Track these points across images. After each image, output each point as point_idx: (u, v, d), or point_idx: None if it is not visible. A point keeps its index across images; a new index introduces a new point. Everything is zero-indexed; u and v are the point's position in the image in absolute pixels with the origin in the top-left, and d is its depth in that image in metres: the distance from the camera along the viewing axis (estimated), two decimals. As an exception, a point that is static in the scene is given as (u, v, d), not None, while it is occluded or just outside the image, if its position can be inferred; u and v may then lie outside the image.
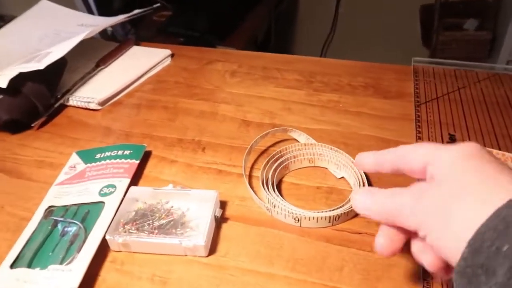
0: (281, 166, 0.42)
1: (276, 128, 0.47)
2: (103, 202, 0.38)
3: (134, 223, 0.36)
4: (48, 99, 0.53)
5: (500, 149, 0.43)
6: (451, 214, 0.23)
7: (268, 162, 0.42)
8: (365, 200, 0.28)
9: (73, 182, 0.42)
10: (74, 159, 0.45)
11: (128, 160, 0.43)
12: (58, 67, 0.55)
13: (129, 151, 0.44)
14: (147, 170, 0.44)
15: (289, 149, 0.44)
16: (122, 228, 0.35)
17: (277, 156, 0.43)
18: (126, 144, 0.46)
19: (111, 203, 0.38)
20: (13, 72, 0.49)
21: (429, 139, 0.45)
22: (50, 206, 0.39)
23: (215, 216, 0.36)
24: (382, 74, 0.59)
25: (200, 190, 0.39)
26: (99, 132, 0.51)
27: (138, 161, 0.43)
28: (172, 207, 0.37)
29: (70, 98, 0.55)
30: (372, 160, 0.30)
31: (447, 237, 0.23)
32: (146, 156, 0.45)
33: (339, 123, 0.50)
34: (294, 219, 0.36)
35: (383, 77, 0.59)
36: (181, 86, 0.59)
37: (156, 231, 0.35)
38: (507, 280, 0.18)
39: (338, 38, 1.86)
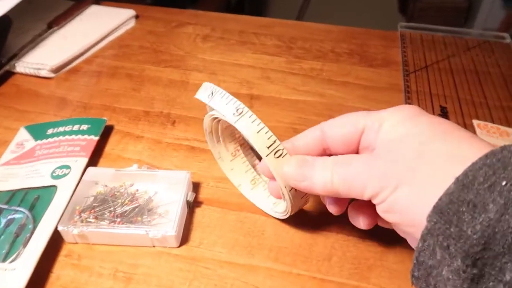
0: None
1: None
2: (55, 186, 0.33)
3: (93, 211, 0.31)
4: (-9, 65, 0.46)
5: (493, 122, 0.40)
6: (420, 171, 0.21)
7: None
8: (302, 173, 0.25)
9: (21, 162, 0.36)
10: (22, 135, 0.39)
11: (86, 136, 0.37)
12: (0, 27, 0.47)
13: (86, 126, 0.38)
14: (108, 148, 0.39)
15: None
16: (78, 217, 0.30)
17: None
18: (83, 118, 0.40)
19: (64, 187, 0.33)
20: None
21: (419, 112, 0.42)
22: (-8, 191, 0.34)
23: (187, 201, 0.32)
24: (367, 40, 0.55)
25: (169, 171, 0.34)
26: (52, 104, 0.44)
27: (97, 138, 0.37)
28: (137, 190, 0.33)
29: (17, 64, 0.48)
30: (290, 146, 0.27)
31: (418, 195, 0.21)
32: (107, 132, 0.40)
33: (323, 94, 0.45)
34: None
35: (369, 43, 0.54)
36: (147, 52, 0.53)
37: (119, 219, 0.30)
38: (500, 216, 0.17)
39: (314, 2, 1.80)
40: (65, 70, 0.49)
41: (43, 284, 0.28)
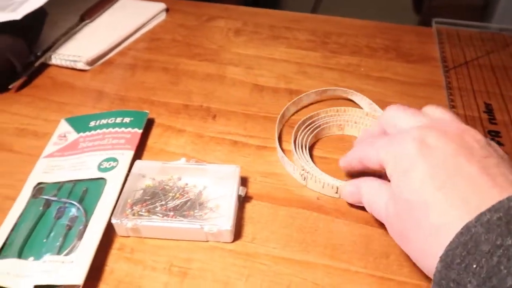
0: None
1: (335, 88, 0.43)
2: (103, 179, 0.32)
3: (144, 204, 0.30)
4: (27, 57, 0.45)
5: (540, 120, 0.40)
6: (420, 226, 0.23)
7: (305, 125, 0.38)
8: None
9: (65, 154, 0.36)
10: (63, 127, 0.39)
11: (130, 129, 0.37)
12: (37, 19, 0.47)
13: (129, 119, 0.38)
14: (150, 141, 0.38)
15: (349, 113, 0.39)
16: (130, 210, 0.30)
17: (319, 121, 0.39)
18: (125, 110, 0.40)
19: (114, 180, 0.32)
20: (-17, 22, 0.42)
21: (464, 109, 0.41)
22: (39, 183, 0.33)
23: (239, 195, 0.31)
24: (401, 36, 0.54)
25: (218, 165, 0.33)
26: (89, 96, 0.44)
27: (141, 131, 0.37)
28: (186, 184, 0.32)
29: (52, 56, 0.47)
30: (343, 163, 0.32)
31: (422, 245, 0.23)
32: (148, 125, 0.39)
33: (362, 89, 0.45)
34: (332, 187, 0.32)
35: (403, 39, 0.54)
36: (179, 45, 0.52)
37: (171, 213, 0.30)
38: None
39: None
40: (99, 63, 0.49)
41: (98, 277, 0.28)
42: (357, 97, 0.42)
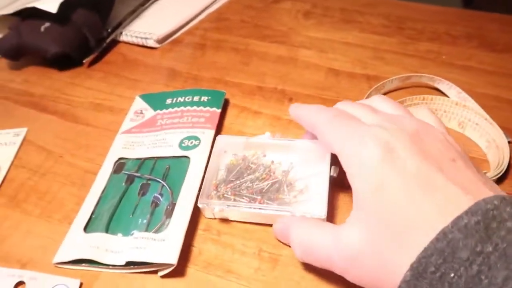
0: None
1: (420, 74, 0.40)
2: (187, 157, 0.31)
3: (230, 185, 0.29)
4: (101, 32, 0.45)
5: None
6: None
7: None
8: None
9: (143, 130, 0.35)
10: (139, 103, 0.38)
11: (208, 108, 0.36)
12: (109, -5, 0.46)
13: (206, 97, 0.37)
14: (227, 122, 0.37)
15: (437, 101, 0.36)
16: (215, 192, 0.29)
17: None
18: (202, 89, 0.38)
19: (197, 159, 0.31)
20: (61, -5, 0.41)
21: None
22: (120, 158, 0.33)
23: (331, 176, 0.29)
24: (484, 23, 0.50)
25: (307, 141, 0.31)
26: (162, 74, 0.43)
27: (219, 110, 0.36)
28: (272, 162, 0.30)
29: (123, 33, 0.47)
30: (294, 112, 0.29)
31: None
32: (223, 105, 0.38)
33: (446, 78, 0.42)
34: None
35: (485, 27, 0.50)
36: (248, 26, 0.51)
37: (259, 197, 0.28)
38: None
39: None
40: (168, 41, 0.48)
41: (187, 257, 0.27)
42: (445, 85, 0.39)
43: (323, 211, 0.27)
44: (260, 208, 0.27)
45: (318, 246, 0.23)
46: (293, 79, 0.42)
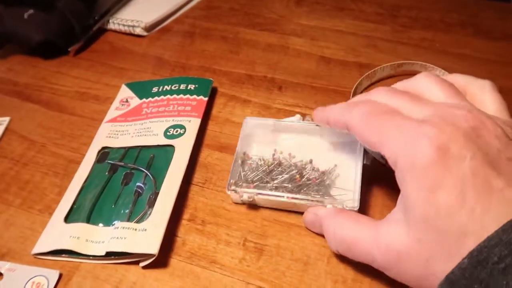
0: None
1: (412, 62, 0.39)
2: (171, 146, 0.31)
3: (259, 170, 0.28)
4: (87, 19, 0.44)
5: None
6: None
7: None
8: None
9: (128, 119, 0.34)
10: (125, 92, 0.37)
11: (195, 96, 0.35)
12: (95, -19, 0.45)
13: (193, 86, 0.36)
14: (215, 110, 0.36)
15: None
16: (243, 179, 0.28)
17: None
18: (189, 77, 0.38)
19: (182, 147, 0.30)
20: (45, -19, 0.40)
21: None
22: (103, 147, 0.32)
23: (364, 164, 0.27)
24: (479, 11, 0.49)
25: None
26: (149, 62, 0.42)
27: (206, 98, 0.35)
28: (301, 146, 0.29)
29: (110, 21, 0.46)
30: (320, 118, 0.27)
31: None
32: (211, 94, 0.37)
33: (441, 66, 0.41)
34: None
35: (481, 14, 0.49)
36: (238, 14, 0.50)
37: (290, 185, 0.27)
38: None
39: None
40: (156, 29, 0.47)
41: (170, 247, 0.26)
42: (438, 73, 0.38)
43: (356, 202, 0.25)
44: (290, 198, 0.26)
45: (357, 242, 0.22)
46: (283, 67, 0.41)
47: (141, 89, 0.37)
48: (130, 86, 0.38)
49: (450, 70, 0.39)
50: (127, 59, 0.43)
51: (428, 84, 0.24)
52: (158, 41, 0.45)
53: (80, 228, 0.26)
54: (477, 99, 0.24)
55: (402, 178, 0.20)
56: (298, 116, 0.31)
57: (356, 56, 0.43)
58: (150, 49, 0.44)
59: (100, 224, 0.26)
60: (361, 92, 0.38)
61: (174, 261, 0.26)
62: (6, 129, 0.35)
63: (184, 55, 0.43)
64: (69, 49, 0.42)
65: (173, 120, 0.33)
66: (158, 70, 0.41)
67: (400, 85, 0.25)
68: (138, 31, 0.45)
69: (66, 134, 0.34)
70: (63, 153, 0.33)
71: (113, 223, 0.26)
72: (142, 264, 0.25)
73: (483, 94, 0.24)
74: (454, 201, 0.18)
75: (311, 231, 0.26)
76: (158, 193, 0.27)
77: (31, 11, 0.40)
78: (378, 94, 0.24)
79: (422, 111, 0.22)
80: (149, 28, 0.46)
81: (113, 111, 0.35)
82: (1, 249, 0.26)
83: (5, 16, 0.40)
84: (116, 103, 0.36)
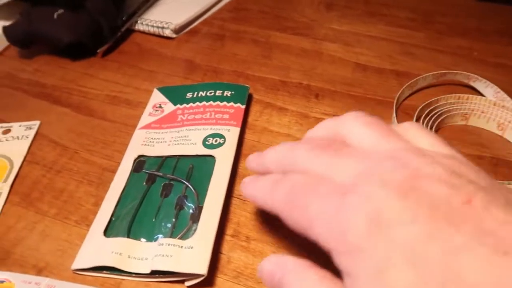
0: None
1: (455, 71, 0.38)
2: (212, 156, 0.29)
3: None
4: (115, 20, 0.43)
5: None
6: None
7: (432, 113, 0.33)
8: None
9: (163, 126, 0.33)
10: (157, 96, 0.36)
11: (232, 104, 0.34)
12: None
13: (229, 92, 0.35)
14: (251, 118, 0.35)
15: (473, 101, 0.34)
16: None
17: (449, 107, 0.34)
18: (224, 83, 0.36)
19: (223, 158, 0.29)
20: (75, -20, 0.39)
21: None
22: (139, 156, 0.31)
23: None
24: (516, 19, 0.48)
25: None
26: (179, 66, 0.41)
27: (244, 106, 0.34)
28: None
29: (139, 22, 0.45)
30: (254, 165, 0.24)
31: None
32: (247, 101, 0.36)
33: (481, 77, 0.40)
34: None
35: (517, 23, 0.48)
36: (268, 17, 0.48)
37: None
38: None
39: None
40: (185, 31, 0.46)
41: (215, 265, 0.25)
42: (481, 84, 0.37)
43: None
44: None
45: None
46: (318, 74, 0.40)
47: (175, 94, 0.35)
48: (163, 90, 0.36)
49: (490, 80, 0.38)
50: (156, 62, 0.41)
51: (355, 129, 0.20)
52: (187, 44, 0.44)
53: (122, 243, 0.25)
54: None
55: (341, 263, 0.16)
56: None
57: (393, 63, 0.41)
58: (179, 51, 0.43)
59: (142, 239, 0.25)
60: (403, 101, 0.37)
61: (220, 280, 0.24)
62: (37, 133, 0.34)
63: (215, 59, 0.42)
64: (98, 50, 0.41)
65: (211, 128, 0.31)
66: (189, 74, 0.40)
67: (325, 128, 0.22)
68: (167, 32, 0.44)
69: (98, 140, 0.33)
70: (97, 160, 0.32)
71: (155, 237, 0.25)
72: (188, 283, 0.24)
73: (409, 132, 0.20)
74: (413, 278, 0.14)
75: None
76: (201, 207, 0.26)
77: (60, 11, 0.39)
78: (300, 156, 0.20)
79: (346, 170, 0.18)
80: (178, 30, 0.44)
81: (146, 117, 0.34)
82: (38, 263, 0.25)
83: (34, 15, 0.39)
84: (149, 108, 0.35)
